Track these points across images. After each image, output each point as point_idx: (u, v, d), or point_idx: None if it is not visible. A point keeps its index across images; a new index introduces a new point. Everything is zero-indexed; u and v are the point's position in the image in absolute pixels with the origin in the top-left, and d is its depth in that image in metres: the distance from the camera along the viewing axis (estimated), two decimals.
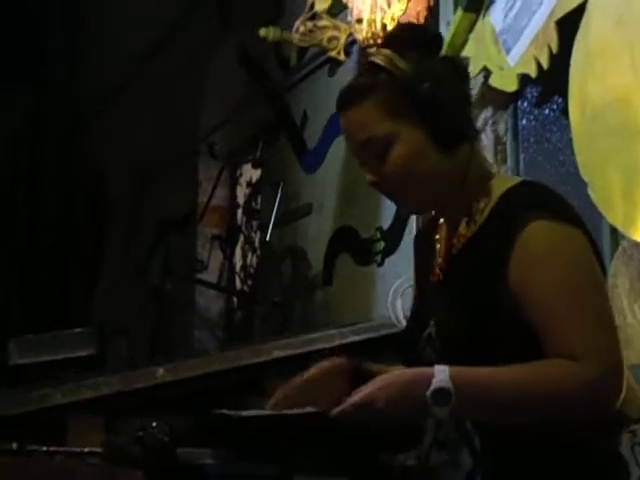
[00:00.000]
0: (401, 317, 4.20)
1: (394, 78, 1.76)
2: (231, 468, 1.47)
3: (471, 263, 1.76)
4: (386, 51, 1.80)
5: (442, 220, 1.91)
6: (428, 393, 1.58)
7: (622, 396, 1.70)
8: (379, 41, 3.88)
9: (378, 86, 1.77)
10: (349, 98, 1.80)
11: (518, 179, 1.85)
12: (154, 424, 1.51)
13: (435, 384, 1.58)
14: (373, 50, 1.89)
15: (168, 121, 7.32)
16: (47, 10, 8.67)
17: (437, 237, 1.90)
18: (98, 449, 1.94)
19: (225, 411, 1.58)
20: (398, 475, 1.57)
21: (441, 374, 1.59)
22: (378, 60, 1.80)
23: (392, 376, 1.64)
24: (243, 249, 6.84)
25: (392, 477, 1.56)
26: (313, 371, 1.85)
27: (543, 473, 1.68)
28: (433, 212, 1.95)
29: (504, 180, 1.86)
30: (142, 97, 7.69)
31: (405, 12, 4.06)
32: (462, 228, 1.80)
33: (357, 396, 1.61)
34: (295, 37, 4.55)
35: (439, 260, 1.84)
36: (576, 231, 1.70)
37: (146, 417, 1.56)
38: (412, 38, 1.81)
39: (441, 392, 1.57)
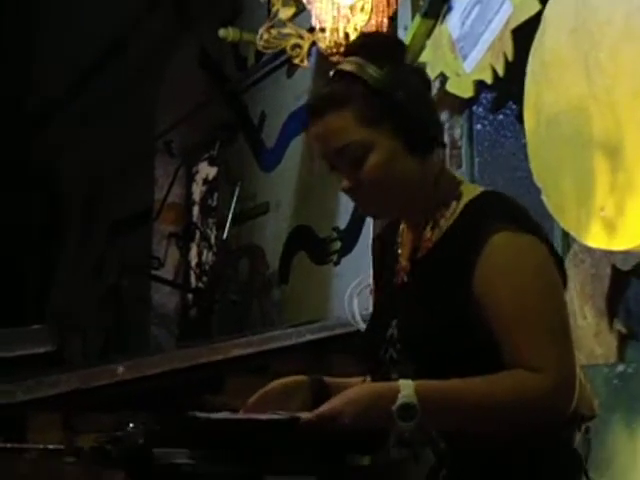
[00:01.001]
0: (357, 316, 4.26)
1: (369, 86, 1.80)
2: (205, 467, 1.52)
3: (436, 268, 1.80)
4: (356, 58, 1.83)
5: (403, 225, 1.94)
6: (394, 408, 1.62)
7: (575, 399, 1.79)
8: (342, 49, 3.94)
9: (354, 94, 1.80)
10: (325, 105, 1.82)
11: (480, 188, 1.90)
12: (131, 425, 1.56)
13: (401, 399, 1.63)
14: (340, 58, 1.91)
15: (126, 119, 7.34)
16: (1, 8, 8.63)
17: (399, 241, 1.94)
18: (61, 446, 1.99)
19: (196, 413, 1.64)
20: (363, 474, 1.62)
21: (407, 389, 1.64)
22: (349, 68, 1.83)
23: (358, 390, 1.69)
24: (199, 246, 6.88)
25: (358, 476, 1.62)
26: (273, 385, 1.90)
27: (504, 469, 1.74)
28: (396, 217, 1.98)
29: (472, 188, 1.91)
30: (101, 95, 7.69)
31: (368, 22, 4.14)
32: (427, 232, 1.84)
33: (323, 408, 1.66)
34: (259, 44, 4.61)
35: (403, 263, 1.88)
36: (538, 242, 1.76)
37: (123, 416, 1.62)
38: (378, 46, 1.85)
39: (407, 407, 1.62)
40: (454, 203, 1.84)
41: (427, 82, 1.92)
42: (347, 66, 1.84)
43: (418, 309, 1.81)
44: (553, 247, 1.81)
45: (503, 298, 1.72)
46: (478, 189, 1.88)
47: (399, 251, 1.93)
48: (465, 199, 1.84)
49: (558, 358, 1.69)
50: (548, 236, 1.82)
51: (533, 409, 1.68)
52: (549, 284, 1.75)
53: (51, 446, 1.95)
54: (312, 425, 1.63)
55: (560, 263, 1.82)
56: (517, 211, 1.81)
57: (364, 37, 2.16)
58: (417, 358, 1.75)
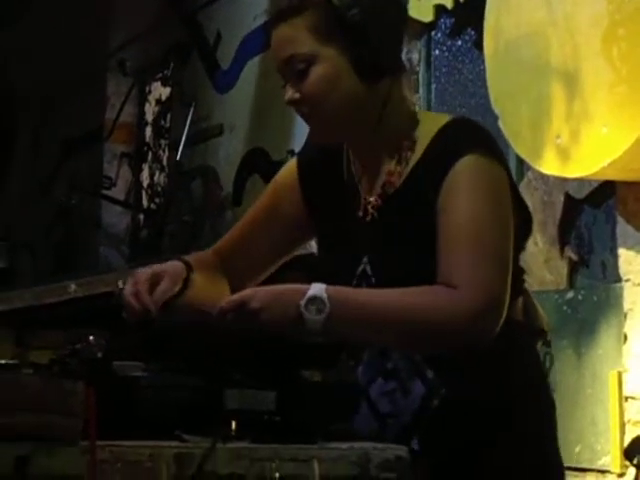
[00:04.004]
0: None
1: (326, 1, 1.76)
2: (165, 380, 1.53)
3: (411, 202, 1.78)
4: None
5: (352, 157, 1.89)
6: (302, 301, 1.63)
7: (536, 315, 1.84)
8: None
9: (309, 7, 1.77)
10: (280, 15, 1.80)
11: (449, 116, 1.86)
12: (91, 338, 1.56)
13: (310, 293, 1.64)
14: None
15: (78, 36, 7.21)
16: None
17: (354, 172, 1.87)
18: (15, 361, 1.99)
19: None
20: (323, 392, 1.64)
21: (317, 287, 1.66)
22: None
23: (266, 287, 1.71)
24: (151, 167, 6.84)
25: (319, 394, 1.63)
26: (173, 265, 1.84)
27: (489, 387, 1.77)
28: (345, 145, 1.90)
29: (433, 117, 1.89)
30: (52, 10, 7.54)
31: None
32: (393, 166, 1.81)
33: (233, 295, 1.67)
34: None
35: (370, 198, 1.83)
36: (501, 169, 1.75)
37: (74, 333, 1.62)
38: None
39: (315, 300, 1.63)
40: (410, 135, 1.81)
41: (401, 11, 1.88)
42: None
43: (395, 246, 1.79)
44: (511, 177, 1.81)
45: (451, 219, 1.72)
46: (445, 117, 1.85)
47: (359, 185, 1.87)
48: (432, 128, 1.80)
49: (486, 278, 1.67)
50: (509, 165, 1.83)
51: (444, 323, 1.67)
52: (501, 211, 1.74)
53: (3, 361, 1.94)
54: (223, 311, 1.64)
55: (518, 195, 1.81)
56: (485, 136, 1.80)
57: None
58: None
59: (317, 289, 1.66)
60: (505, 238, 1.73)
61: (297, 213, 1.95)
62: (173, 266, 1.83)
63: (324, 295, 1.65)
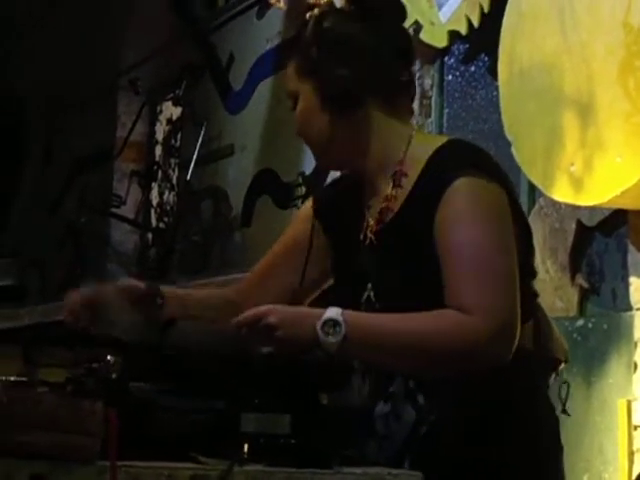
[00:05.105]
0: None
1: (306, 40, 1.87)
2: (181, 402, 1.53)
3: (409, 224, 1.80)
4: (320, 9, 1.90)
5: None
6: (318, 323, 1.66)
7: (550, 344, 1.83)
8: None
9: (297, 48, 1.91)
10: (286, 52, 2.00)
11: (444, 138, 1.90)
12: (108, 357, 1.56)
13: (326, 316, 1.67)
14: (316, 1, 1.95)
15: (90, 54, 7.24)
16: None
17: (363, 196, 1.90)
18: (23, 378, 1.99)
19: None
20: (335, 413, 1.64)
21: (333, 310, 1.69)
22: (307, 16, 1.91)
23: (283, 306, 1.74)
24: (160, 186, 6.85)
25: (335, 418, 1.63)
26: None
27: (481, 419, 1.76)
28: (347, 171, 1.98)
29: (429, 139, 1.91)
30: (64, 28, 7.57)
31: None
32: (389, 191, 1.83)
33: (249, 310, 1.70)
34: None
35: (371, 222, 1.86)
36: (499, 190, 1.76)
37: (82, 351, 1.63)
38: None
39: (331, 323, 1.66)
40: (408, 157, 1.83)
41: (399, 43, 1.90)
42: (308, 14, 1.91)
43: (395, 271, 1.81)
44: (514, 196, 1.81)
45: (454, 240, 1.73)
46: (440, 139, 1.88)
47: (366, 210, 1.90)
48: (425, 152, 1.82)
49: (495, 302, 1.68)
50: (512, 185, 1.82)
51: (457, 348, 1.68)
52: (502, 232, 1.75)
53: (12, 378, 1.94)
54: (241, 324, 1.68)
55: (520, 213, 1.82)
56: (479, 157, 1.81)
57: None
58: None
59: (333, 312, 1.69)
60: (508, 257, 1.74)
61: (318, 249, 1.98)
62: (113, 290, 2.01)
63: (340, 318, 1.68)
